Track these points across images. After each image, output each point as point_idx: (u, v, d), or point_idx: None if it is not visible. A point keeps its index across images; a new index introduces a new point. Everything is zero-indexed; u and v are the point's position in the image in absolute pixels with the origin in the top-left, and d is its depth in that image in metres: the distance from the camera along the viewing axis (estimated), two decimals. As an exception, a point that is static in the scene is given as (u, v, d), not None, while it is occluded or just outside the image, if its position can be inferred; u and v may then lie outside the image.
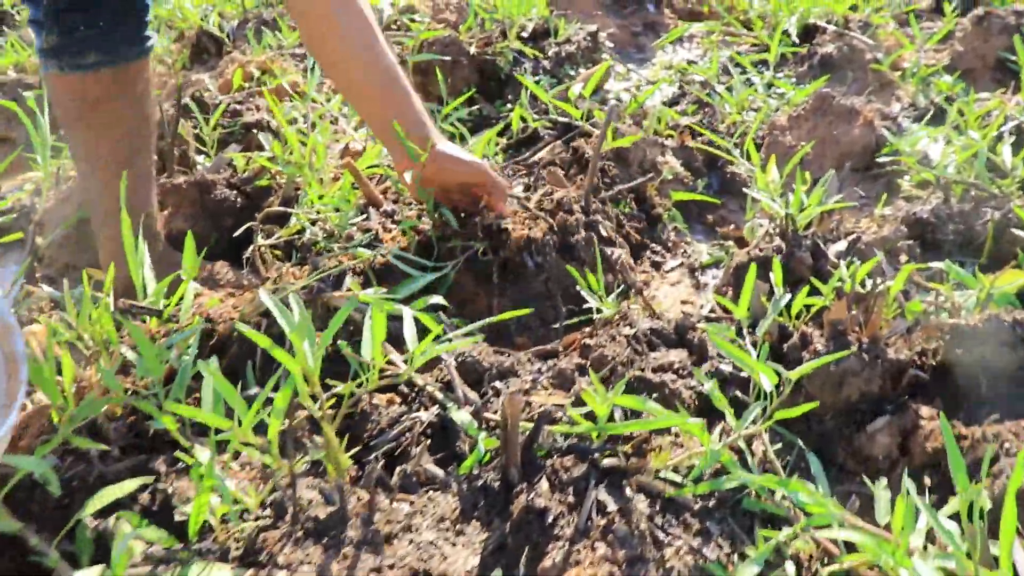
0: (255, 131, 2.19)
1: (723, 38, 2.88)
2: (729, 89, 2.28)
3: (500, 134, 2.36)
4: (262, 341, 1.02)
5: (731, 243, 1.90)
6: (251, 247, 1.65)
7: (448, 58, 2.45)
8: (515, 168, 2.11)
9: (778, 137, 2.06)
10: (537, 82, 2.53)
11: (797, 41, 2.63)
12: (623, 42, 2.93)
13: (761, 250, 1.57)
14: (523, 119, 2.25)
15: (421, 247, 1.64)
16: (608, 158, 1.90)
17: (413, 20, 2.78)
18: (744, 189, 1.95)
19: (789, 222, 1.62)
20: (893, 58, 2.54)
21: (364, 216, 1.75)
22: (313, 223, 1.77)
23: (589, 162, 1.89)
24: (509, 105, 2.51)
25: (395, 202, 1.82)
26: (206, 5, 3.16)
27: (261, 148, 2.10)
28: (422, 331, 1.46)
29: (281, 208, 1.73)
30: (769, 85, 2.40)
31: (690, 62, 2.81)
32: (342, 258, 1.61)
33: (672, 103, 2.51)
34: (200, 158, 2.15)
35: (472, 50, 2.52)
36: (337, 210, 1.78)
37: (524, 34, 2.68)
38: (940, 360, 1.33)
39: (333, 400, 1.14)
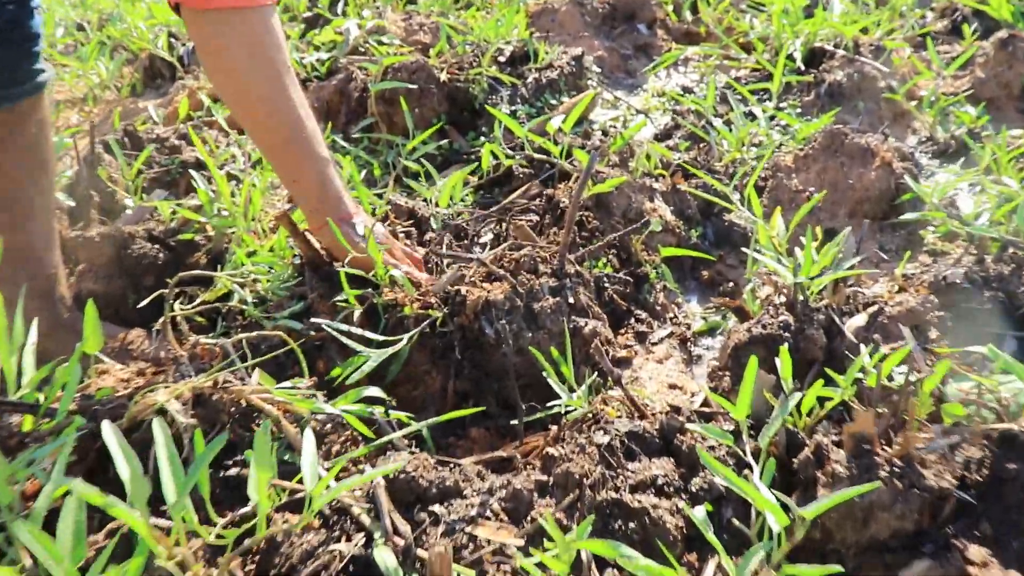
0: (194, 170, 1.94)
1: (721, 62, 2.63)
2: (728, 123, 2.03)
3: (472, 172, 2.12)
4: (94, 499, 0.76)
5: (728, 307, 1.64)
6: (163, 318, 1.39)
7: (415, 86, 2.20)
8: (484, 216, 1.86)
9: (783, 180, 1.81)
10: (514, 112, 2.28)
11: (803, 67, 2.38)
12: (612, 66, 2.68)
13: (765, 327, 1.32)
14: (495, 155, 2.00)
15: (366, 316, 1.39)
16: (587, 207, 1.65)
17: (380, 43, 2.53)
18: (744, 249, 1.70)
19: (798, 291, 1.37)
20: (908, 86, 2.29)
21: (300, 278, 1.50)
22: (242, 285, 1.52)
23: (566, 212, 1.64)
24: (483, 138, 2.26)
25: (336, 260, 1.57)
26: (160, 26, 2.92)
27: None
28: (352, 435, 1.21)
29: (203, 271, 1.48)
30: (772, 117, 2.15)
31: (685, 89, 2.57)
32: (270, 332, 1.36)
33: (664, 136, 2.26)
34: (131, 201, 1.90)
35: (443, 76, 2.27)
36: (271, 268, 1.53)
37: (501, 58, 2.44)
38: (988, 474, 1.08)
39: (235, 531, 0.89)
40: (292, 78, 1.37)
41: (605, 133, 2.29)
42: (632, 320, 1.54)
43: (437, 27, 2.67)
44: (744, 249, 1.77)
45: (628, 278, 1.57)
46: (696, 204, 1.83)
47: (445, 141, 2.24)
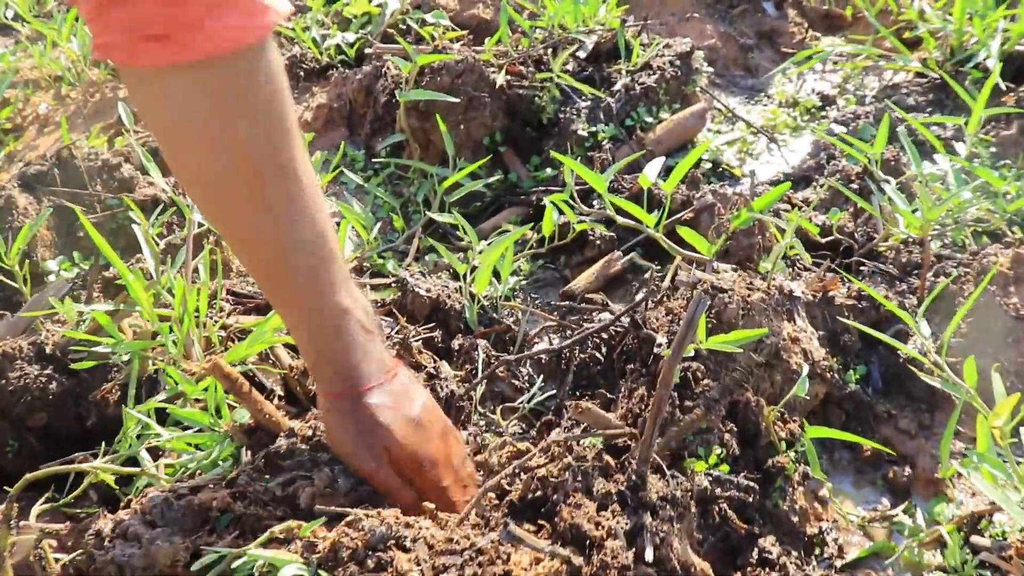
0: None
1: (875, 62, 1.97)
2: (900, 187, 1.39)
3: (529, 221, 1.55)
4: None
5: (903, 516, 1.06)
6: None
7: (457, 99, 1.61)
8: (535, 315, 1.29)
9: (995, 295, 1.19)
10: (594, 135, 1.68)
11: (1000, 83, 1.70)
12: (727, 60, 2.04)
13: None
14: (560, 210, 1.42)
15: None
16: (697, 347, 1.06)
17: (424, 21, 1.94)
18: (925, 404, 1.11)
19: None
20: None
21: (233, 461, 0.96)
22: (160, 455, 1.00)
23: (652, 349, 1.06)
24: (550, 168, 1.68)
25: (299, 416, 1.03)
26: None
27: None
28: None
29: (63, 466, 0.95)
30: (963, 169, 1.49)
31: (824, 98, 1.92)
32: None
33: (799, 180, 1.64)
34: (54, 266, 1.38)
35: (500, 80, 1.67)
36: (193, 442, 0.99)
37: (581, 53, 1.82)
38: None
39: None
40: (306, 164, 0.83)
41: (718, 169, 1.67)
42: (754, 555, 0.96)
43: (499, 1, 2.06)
44: (923, 403, 1.18)
45: (751, 482, 0.99)
46: (854, 327, 1.22)
47: (498, 175, 1.66)
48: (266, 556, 0.82)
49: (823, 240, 1.38)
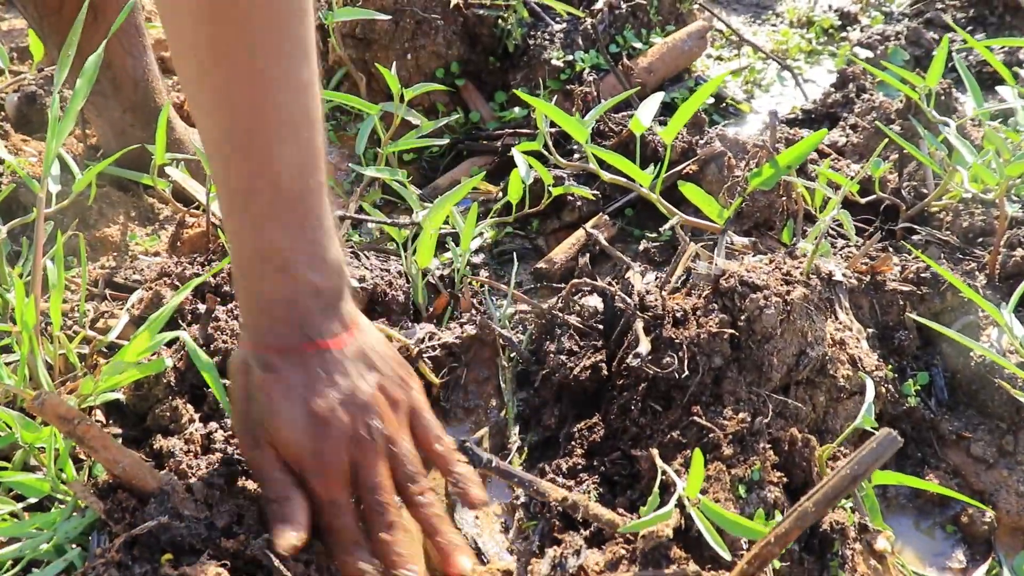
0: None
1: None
2: (957, 135, 1.11)
3: (491, 177, 1.25)
4: None
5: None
6: None
7: (401, 22, 1.30)
8: (498, 290, 1.01)
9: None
10: (571, 64, 1.37)
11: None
12: (728, -29, 1.73)
13: None
14: (530, 166, 1.12)
15: None
16: (708, 349, 0.79)
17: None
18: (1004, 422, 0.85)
19: None
20: None
21: (83, 548, 0.69)
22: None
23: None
24: (519, 108, 1.37)
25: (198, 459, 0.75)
26: None
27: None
28: None
29: None
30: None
31: (844, 16, 1.62)
32: None
33: (821, 116, 1.35)
34: None
35: (456, -2, 1.36)
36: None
37: (556, -36, 1.50)
38: None
39: None
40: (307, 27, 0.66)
41: (720, 104, 1.38)
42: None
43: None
44: (1003, 421, 0.92)
45: (803, 551, 0.73)
46: (911, 322, 0.95)
47: (457, 116, 1.36)
48: None
49: (861, 200, 1.10)
